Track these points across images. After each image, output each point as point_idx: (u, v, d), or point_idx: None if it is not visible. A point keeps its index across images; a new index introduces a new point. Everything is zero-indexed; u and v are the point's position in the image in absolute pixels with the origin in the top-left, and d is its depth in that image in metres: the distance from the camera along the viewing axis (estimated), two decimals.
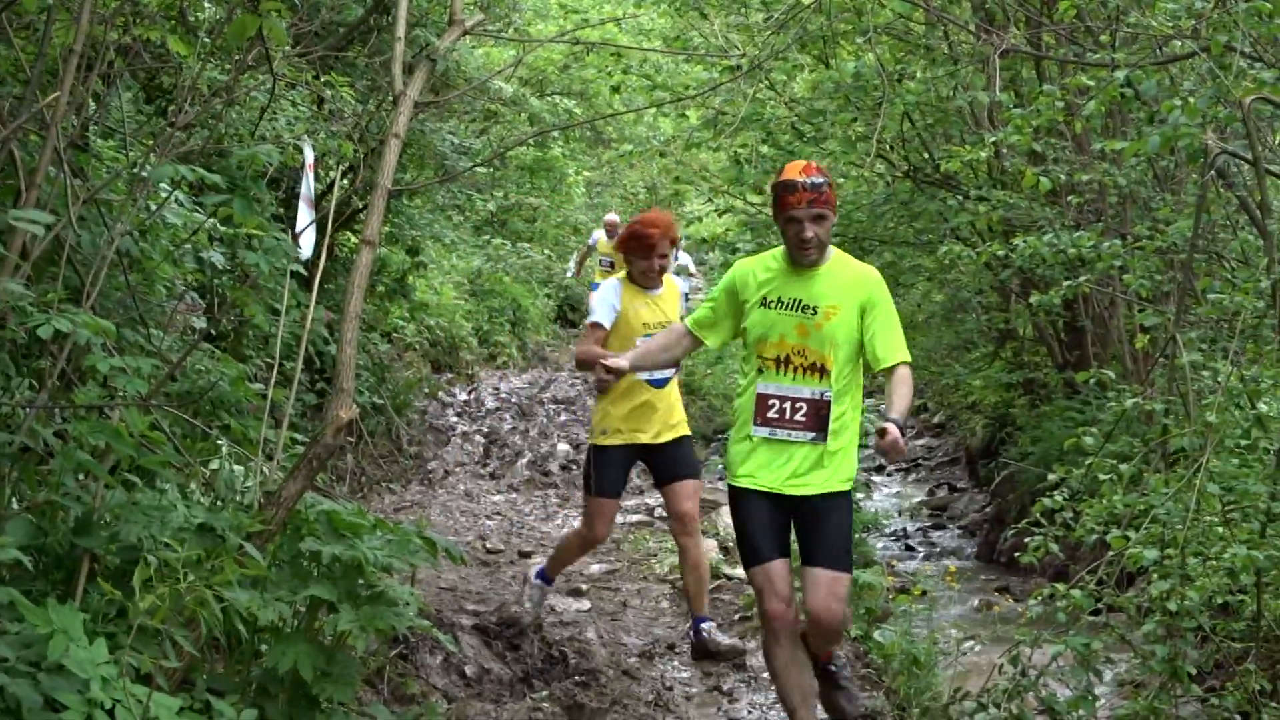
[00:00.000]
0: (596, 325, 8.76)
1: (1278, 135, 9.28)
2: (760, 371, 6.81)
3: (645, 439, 8.80)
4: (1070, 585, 6.97)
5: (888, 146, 14.36)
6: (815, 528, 6.77)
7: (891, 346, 6.68)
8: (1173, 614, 6.61)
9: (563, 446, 16.86)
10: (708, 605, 9.10)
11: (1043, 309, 10.23)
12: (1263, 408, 7.41)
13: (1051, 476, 7.49)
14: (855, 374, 6.82)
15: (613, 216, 24.01)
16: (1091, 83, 8.10)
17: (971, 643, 9.19)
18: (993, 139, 9.31)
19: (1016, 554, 8.63)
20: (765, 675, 8.88)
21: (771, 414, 6.75)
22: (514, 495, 14.92)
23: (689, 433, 9.05)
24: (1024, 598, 10.95)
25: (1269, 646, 7.29)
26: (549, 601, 10.10)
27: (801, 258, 6.73)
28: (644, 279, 8.85)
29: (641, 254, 8.78)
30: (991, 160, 12.77)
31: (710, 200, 16.65)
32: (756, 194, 16.27)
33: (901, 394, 6.54)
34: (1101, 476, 7.20)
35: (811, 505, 6.76)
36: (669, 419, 8.86)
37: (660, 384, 8.77)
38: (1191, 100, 6.92)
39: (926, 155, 14.70)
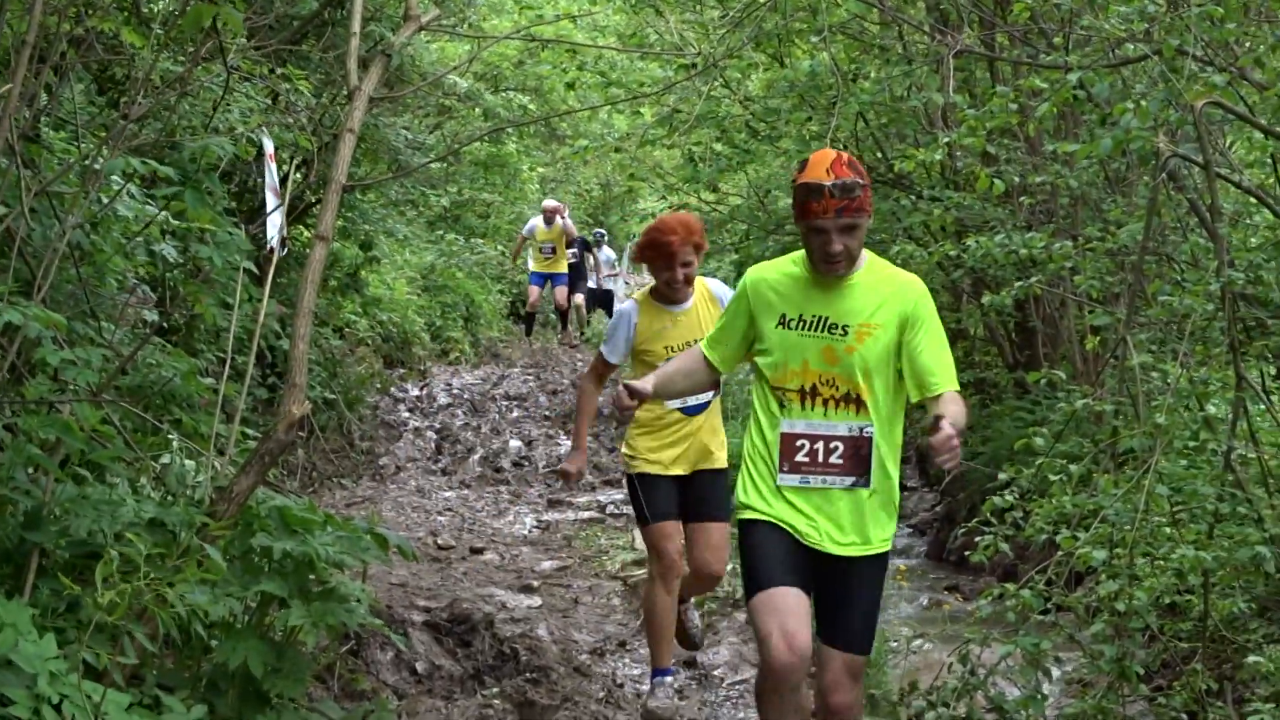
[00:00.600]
0: (604, 361, 7.82)
1: (1228, 139, 9.35)
2: (782, 406, 5.61)
3: (680, 471, 7.80)
4: (1020, 585, 7.00)
5: (842, 146, 14.39)
6: (846, 598, 5.66)
7: (941, 371, 5.59)
8: (1121, 614, 6.65)
9: (515, 443, 16.85)
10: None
11: (994, 309, 10.27)
12: (1211, 409, 7.48)
13: (1001, 476, 7.52)
14: (898, 403, 5.73)
15: (551, 202, 24.42)
16: (1045, 85, 8.14)
17: (921, 640, 9.23)
18: (946, 140, 9.34)
19: (966, 553, 8.68)
20: (716, 672, 8.92)
21: (801, 457, 5.57)
22: (466, 491, 14.91)
23: (726, 465, 7.90)
24: (973, 596, 11.01)
25: (1215, 646, 7.36)
26: (499, 598, 10.10)
27: (828, 272, 5.57)
28: (669, 291, 7.78)
29: (662, 264, 7.72)
30: (945, 161, 12.81)
31: (664, 198, 16.66)
32: (711, 192, 16.30)
33: (953, 408, 5.41)
34: (1051, 476, 7.23)
35: (843, 568, 5.62)
36: (708, 448, 7.85)
37: (695, 410, 7.77)
38: (1143, 103, 6.96)
39: (880, 155, 14.75)
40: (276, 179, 7.86)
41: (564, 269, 24.12)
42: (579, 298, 24.63)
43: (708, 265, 29.43)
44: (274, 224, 7.38)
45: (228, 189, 10.88)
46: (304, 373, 6.33)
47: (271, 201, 7.53)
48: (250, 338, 10.48)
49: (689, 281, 7.79)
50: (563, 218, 24.18)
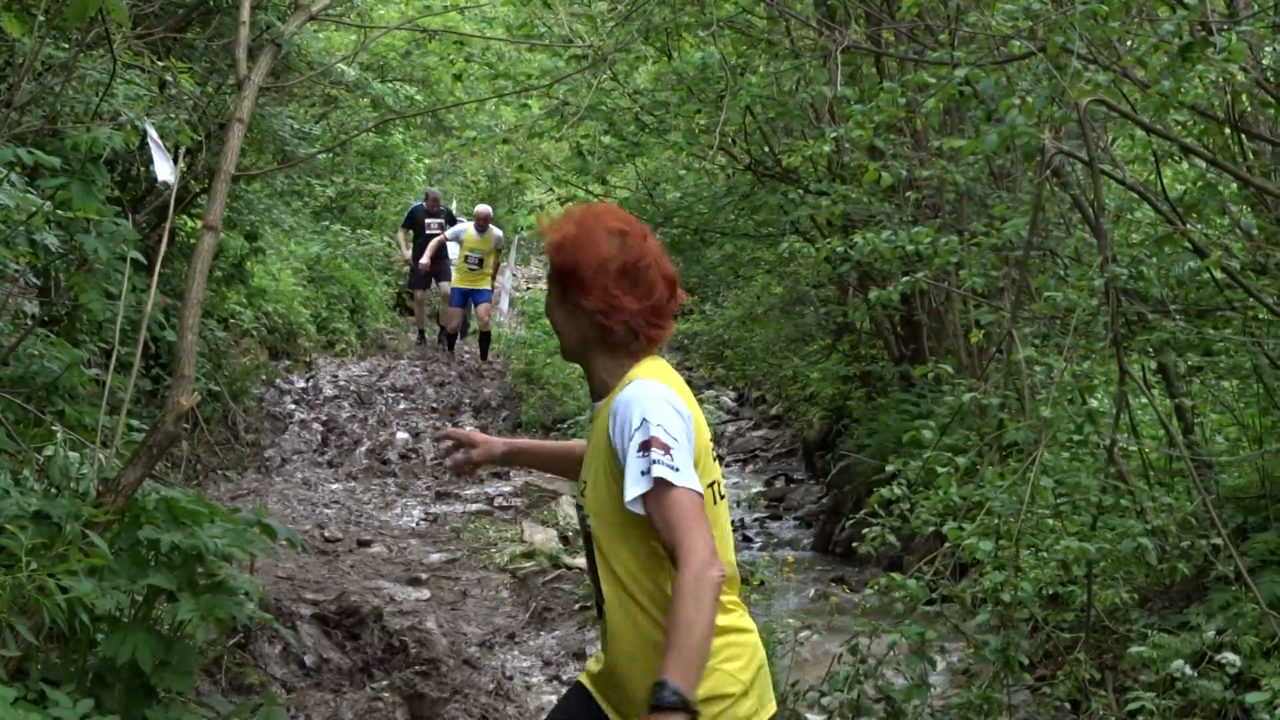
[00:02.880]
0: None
1: (1111, 136, 9.48)
2: None
3: None
4: (906, 576, 7.08)
5: (730, 139, 14.46)
6: None
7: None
8: (1006, 605, 6.74)
9: (401, 435, 16.79)
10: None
11: (880, 303, 10.35)
12: (1094, 403, 7.60)
13: (888, 468, 7.59)
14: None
15: (484, 208, 21.78)
16: (932, 80, 8.22)
17: (808, 632, 9.29)
18: (834, 134, 9.41)
19: (853, 544, 8.75)
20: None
21: None
22: (352, 484, 14.82)
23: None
24: (860, 588, 11.10)
25: (1098, 636, 7.48)
26: (387, 591, 10.06)
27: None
28: None
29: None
30: (832, 155, 12.91)
31: (552, 190, 16.65)
32: (600, 184, 16.32)
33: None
34: (938, 469, 7.31)
35: None
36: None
37: None
38: (1029, 100, 7.05)
39: (768, 149, 14.83)
40: (162, 155, 7.73)
41: (488, 284, 21.57)
42: (503, 303, 22.73)
43: None
44: (162, 167, 7.23)
45: (112, 178, 10.73)
46: (192, 364, 6.27)
47: (165, 169, 7.38)
48: (134, 328, 10.39)
49: None
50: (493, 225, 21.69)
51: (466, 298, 21.54)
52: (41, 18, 7.47)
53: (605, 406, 3.88)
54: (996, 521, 6.94)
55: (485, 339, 21.71)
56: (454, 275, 21.68)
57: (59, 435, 6.80)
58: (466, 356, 21.43)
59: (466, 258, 21.14)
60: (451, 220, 23.44)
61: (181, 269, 13.43)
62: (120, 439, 7.09)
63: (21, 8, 7.96)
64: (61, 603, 5.00)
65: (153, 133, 7.53)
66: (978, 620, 7.01)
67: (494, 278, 22.25)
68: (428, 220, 22.91)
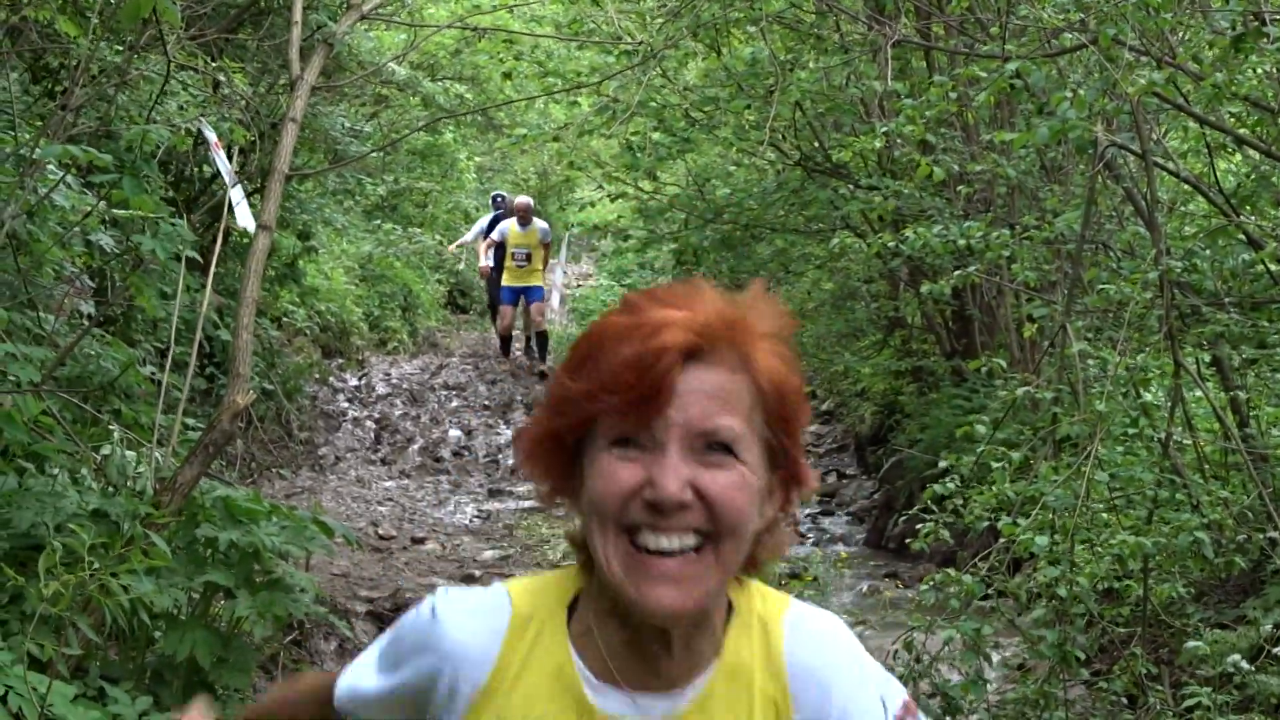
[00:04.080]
0: None
1: (1163, 128, 9.43)
2: None
3: None
4: (961, 571, 7.05)
5: (780, 135, 14.44)
6: None
7: None
8: (1062, 599, 6.71)
9: (454, 432, 16.84)
10: None
11: (932, 298, 10.31)
12: (1148, 397, 7.55)
13: (941, 463, 7.56)
14: None
15: (525, 199, 20.66)
16: (983, 74, 8.19)
17: (861, 628, 9.27)
18: (884, 129, 9.38)
19: (906, 540, 8.73)
20: None
21: None
22: (406, 481, 14.88)
23: None
24: (913, 583, 11.08)
25: (1154, 631, 7.43)
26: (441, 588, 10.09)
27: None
28: None
29: None
30: (883, 150, 12.87)
31: (602, 187, 16.66)
32: (649, 180, 16.32)
33: None
34: (993, 464, 7.28)
35: None
36: None
37: None
38: (1081, 93, 7.01)
39: (818, 144, 14.81)
40: (228, 164, 7.80)
41: (539, 280, 20.34)
42: (554, 300, 20.46)
43: (644, 254, 29.30)
44: (241, 208, 7.32)
45: (166, 179, 10.82)
46: (248, 363, 6.31)
47: (232, 184, 7.45)
48: (188, 327, 10.46)
49: None
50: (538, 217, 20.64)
51: (518, 295, 20.16)
52: (95, 20, 7.53)
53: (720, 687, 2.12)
54: (1051, 516, 6.91)
55: (542, 340, 20.37)
56: (503, 274, 20.40)
57: (116, 434, 6.85)
58: (517, 352, 21.40)
59: (513, 254, 19.89)
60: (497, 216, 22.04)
61: (235, 268, 13.51)
62: (176, 437, 7.14)
63: (76, 10, 8.03)
64: (124, 602, 5.04)
65: (212, 136, 7.58)
66: (1033, 615, 6.98)
67: (545, 274, 21.16)
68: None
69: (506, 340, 21.10)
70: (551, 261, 22.84)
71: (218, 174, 13.54)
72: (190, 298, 9.19)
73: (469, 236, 23.16)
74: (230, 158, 7.60)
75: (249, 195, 13.39)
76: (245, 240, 14.02)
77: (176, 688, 5.75)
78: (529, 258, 20.05)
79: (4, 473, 5.71)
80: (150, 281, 7.60)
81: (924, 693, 7.04)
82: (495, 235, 20.50)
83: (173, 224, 6.66)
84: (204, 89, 10.70)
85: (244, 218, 7.30)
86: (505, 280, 20.18)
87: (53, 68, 10.61)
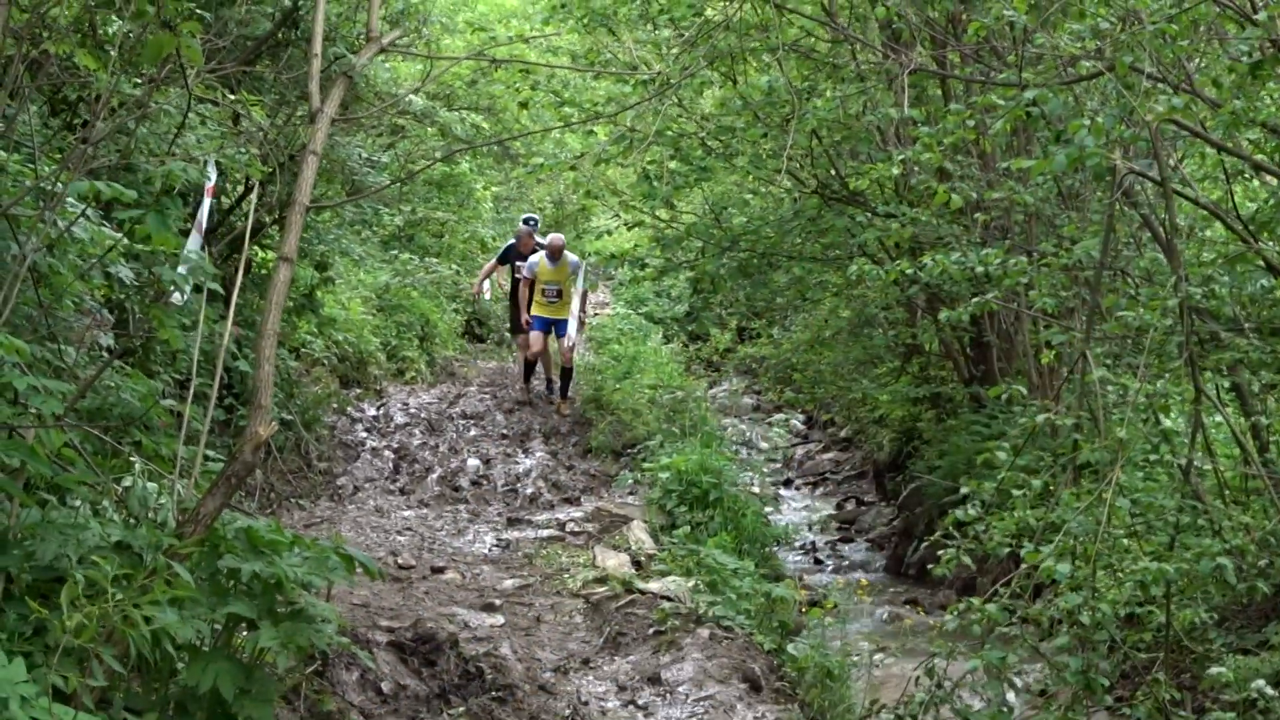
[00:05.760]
0: None
1: (1180, 154, 9.44)
2: None
3: None
4: (985, 599, 7.04)
5: (796, 163, 14.47)
6: None
7: None
8: (1084, 626, 6.70)
9: (473, 462, 16.81)
10: None
11: (950, 324, 10.30)
12: (1168, 423, 7.55)
13: (962, 489, 7.56)
14: None
15: (557, 237, 19.52)
16: (999, 101, 8.20)
17: (882, 654, 9.27)
18: (901, 156, 9.39)
19: (926, 566, 8.73)
20: (681, 689, 8.94)
21: None
22: (425, 511, 14.86)
23: None
24: (933, 610, 11.06)
25: (1176, 656, 7.42)
26: (461, 617, 10.09)
27: None
28: None
29: None
30: (899, 177, 12.89)
31: (619, 215, 16.67)
32: (667, 209, 16.34)
33: None
34: (1013, 491, 7.28)
35: None
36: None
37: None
38: (1098, 120, 7.01)
39: (834, 172, 14.83)
40: (205, 218, 7.82)
41: (568, 314, 19.44)
42: (571, 328, 19.44)
43: (661, 282, 29.16)
44: (184, 273, 7.30)
45: (185, 211, 10.85)
46: (269, 394, 6.33)
47: (194, 239, 7.49)
48: (208, 359, 10.48)
49: None
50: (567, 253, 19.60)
51: (550, 326, 19.53)
52: (115, 54, 7.57)
53: None
54: (1073, 542, 6.90)
55: (566, 376, 19.80)
56: (533, 306, 19.65)
57: (137, 466, 6.87)
58: (536, 383, 21.36)
59: (544, 290, 19.27)
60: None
61: (254, 300, 13.54)
62: (198, 469, 7.16)
63: (95, 43, 8.07)
64: (147, 633, 5.05)
65: (211, 178, 7.60)
66: (1056, 642, 6.96)
67: (575, 309, 19.95)
68: (518, 263, 20.43)
69: (531, 366, 20.55)
70: (572, 290, 21.55)
71: (233, 206, 13.61)
72: (210, 329, 9.21)
73: (488, 268, 22.13)
74: (255, 193, 7.63)
75: (269, 225, 13.46)
76: (266, 271, 14.05)
77: (200, 718, 5.75)
78: (560, 293, 19.41)
79: (27, 505, 5.72)
80: (171, 314, 7.63)
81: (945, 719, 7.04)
82: (526, 271, 19.74)
83: (197, 256, 6.69)
84: (223, 122, 10.74)
85: (183, 283, 7.29)
86: (536, 310, 19.57)
87: (71, 100, 10.66)
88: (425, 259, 25.86)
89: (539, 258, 19.36)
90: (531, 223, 21.06)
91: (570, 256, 19.49)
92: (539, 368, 20.44)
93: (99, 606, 4.79)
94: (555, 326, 19.46)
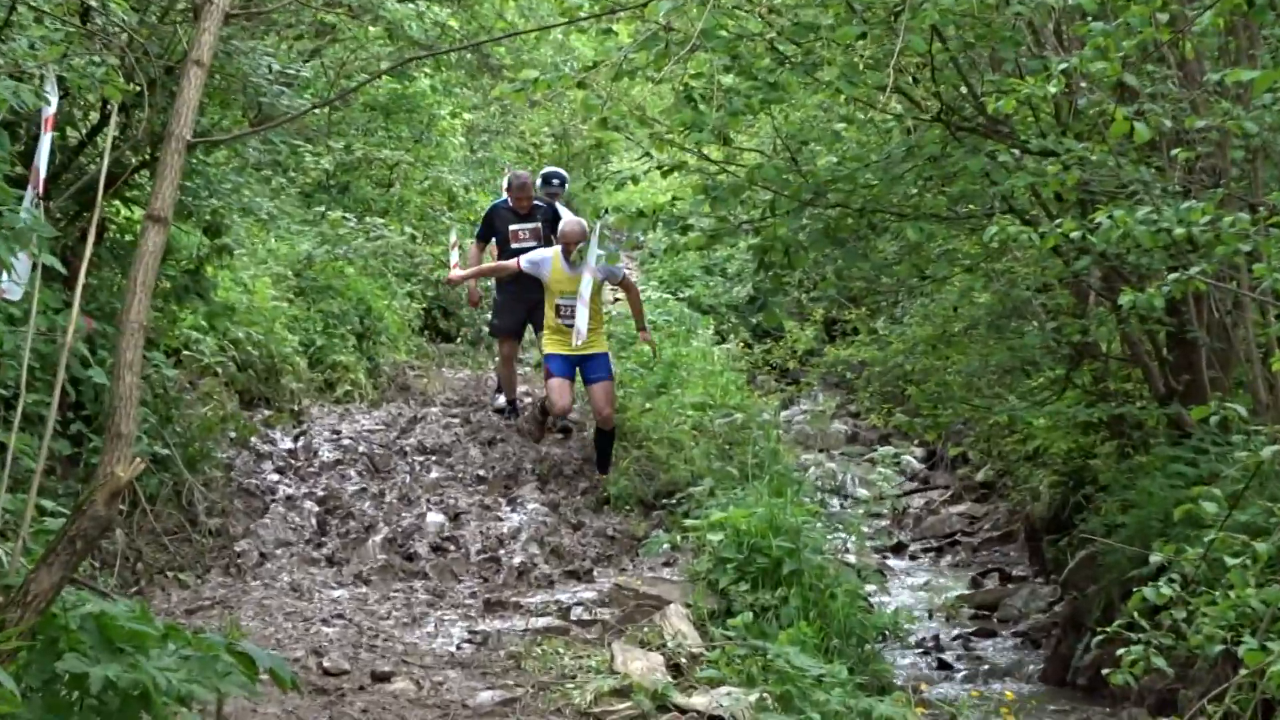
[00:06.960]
0: None
1: None
2: None
3: None
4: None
5: (909, 78, 14.46)
6: None
7: None
8: None
9: (434, 517, 16.79)
10: None
11: (1137, 314, 10.29)
12: None
13: (1154, 558, 7.54)
14: None
15: (576, 225, 18.07)
16: None
17: None
18: (1063, 66, 9.39)
19: (1103, 672, 8.71)
20: None
21: None
22: (363, 589, 14.89)
23: None
24: None
25: None
26: None
27: None
28: None
29: None
30: (1061, 98, 12.88)
31: (649, 155, 16.61)
32: (720, 145, 16.20)
33: None
34: (1230, 560, 7.26)
35: None
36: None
37: None
38: None
39: (965, 90, 14.81)
40: (45, 162, 7.83)
41: (603, 345, 18.26)
42: (579, 321, 17.50)
43: (712, 253, 29.20)
44: (21, 262, 7.30)
45: (14, 149, 10.86)
46: (133, 418, 6.33)
47: (31, 199, 7.49)
48: (45, 367, 10.50)
49: None
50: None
51: (574, 368, 18.16)
52: None
53: None
54: None
55: (606, 440, 18.17)
56: (545, 336, 18.47)
57: None
58: (526, 400, 21.31)
59: (558, 308, 17.83)
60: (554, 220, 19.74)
61: (114, 278, 13.56)
62: (28, 527, 7.18)
63: None
64: None
65: (50, 105, 7.61)
66: None
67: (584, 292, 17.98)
68: (514, 228, 19.69)
69: (564, 426, 19.45)
70: (579, 266, 19.76)
71: (83, 144, 13.64)
72: (48, 321, 9.24)
73: (473, 254, 20.88)
74: (113, 122, 7.64)
75: (136, 170, 13.48)
76: (129, 238, 14.08)
77: None
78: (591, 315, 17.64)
79: None
80: None
81: None
82: (525, 266, 18.25)
83: (28, 214, 6.71)
84: (68, 19, 10.78)
85: (21, 271, 7.29)
86: (549, 345, 18.30)
87: None
88: (366, 219, 25.66)
89: (549, 256, 18.10)
90: (557, 181, 20.23)
91: (595, 255, 17.72)
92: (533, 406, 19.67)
93: None
94: (583, 366, 18.09)
